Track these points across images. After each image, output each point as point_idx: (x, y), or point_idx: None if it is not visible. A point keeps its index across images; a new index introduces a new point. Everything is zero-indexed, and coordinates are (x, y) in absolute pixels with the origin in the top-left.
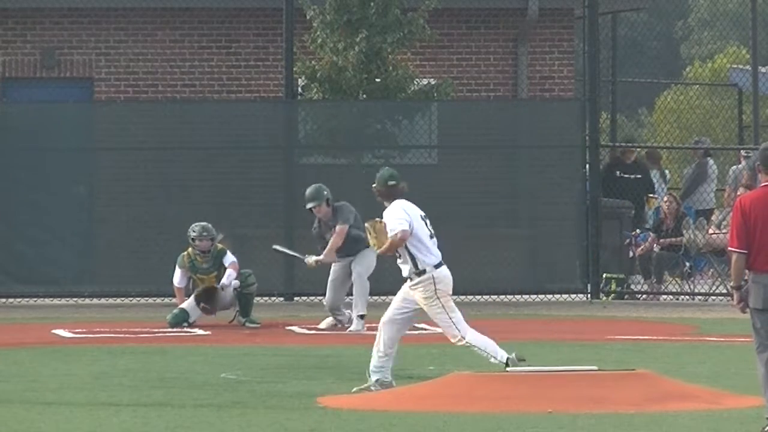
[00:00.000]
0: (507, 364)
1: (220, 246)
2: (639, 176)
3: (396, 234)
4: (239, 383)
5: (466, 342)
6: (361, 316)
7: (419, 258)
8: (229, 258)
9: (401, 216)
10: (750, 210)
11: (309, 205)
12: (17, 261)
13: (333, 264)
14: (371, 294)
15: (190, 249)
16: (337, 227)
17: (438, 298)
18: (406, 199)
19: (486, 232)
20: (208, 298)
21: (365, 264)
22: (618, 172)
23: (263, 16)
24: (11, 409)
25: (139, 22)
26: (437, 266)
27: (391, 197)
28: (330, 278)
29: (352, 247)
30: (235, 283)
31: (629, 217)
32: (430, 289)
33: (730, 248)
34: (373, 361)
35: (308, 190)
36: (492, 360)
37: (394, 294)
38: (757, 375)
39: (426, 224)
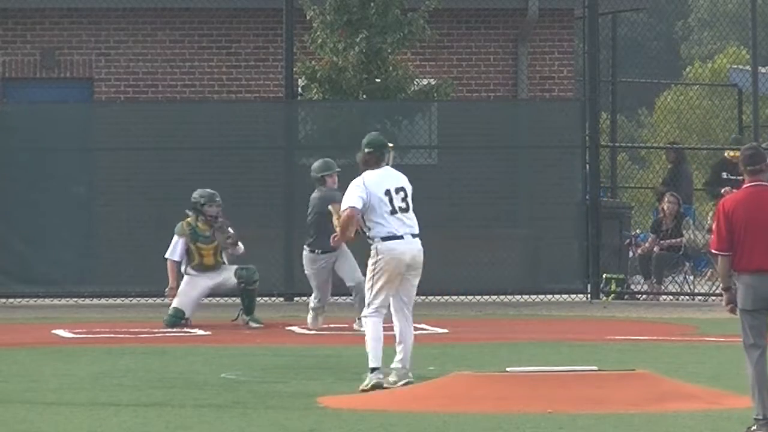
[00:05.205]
0: (371, 370)
1: (221, 220)
2: None
3: (344, 211)
4: (239, 383)
5: (357, 324)
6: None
7: (372, 229)
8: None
9: (354, 193)
10: (732, 211)
11: (322, 173)
12: (17, 261)
13: (320, 263)
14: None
15: (189, 218)
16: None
17: (374, 270)
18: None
19: (486, 232)
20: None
21: (352, 266)
22: (725, 174)
23: (263, 16)
24: (11, 409)
25: (139, 22)
26: (387, 239)
27: (364, 165)
28: (322, 279)
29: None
30: (240, 248)
31: (629, 217)
32: (373, 258)
33: (713, 250)
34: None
35: (319, 162)
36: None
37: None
38: (747, 375)
39: (390, 199)
